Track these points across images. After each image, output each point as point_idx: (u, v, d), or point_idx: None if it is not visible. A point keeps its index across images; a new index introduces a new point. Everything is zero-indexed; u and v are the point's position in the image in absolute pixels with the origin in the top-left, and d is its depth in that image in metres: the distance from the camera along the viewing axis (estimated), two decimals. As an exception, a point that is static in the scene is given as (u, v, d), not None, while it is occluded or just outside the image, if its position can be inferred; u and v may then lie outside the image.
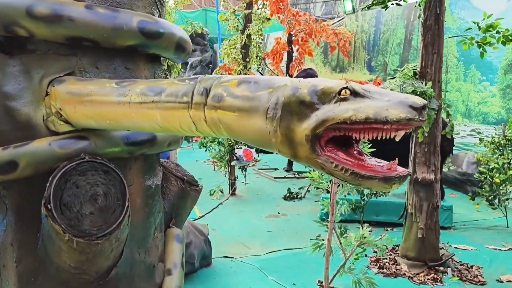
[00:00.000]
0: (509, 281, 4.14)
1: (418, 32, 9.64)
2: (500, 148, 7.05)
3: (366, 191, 5.27)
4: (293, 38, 12.92)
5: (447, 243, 5.17)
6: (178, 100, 1.24)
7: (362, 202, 5.27)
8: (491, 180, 5.92)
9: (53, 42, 1.38)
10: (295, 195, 7.23)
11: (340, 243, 3.87)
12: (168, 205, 1.83)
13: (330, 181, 3.40)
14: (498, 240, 5.40)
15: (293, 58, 12.88)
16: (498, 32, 4.13)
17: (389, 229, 5.74)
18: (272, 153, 7.76)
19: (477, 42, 4.30)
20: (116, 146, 1.47)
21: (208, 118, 1.22)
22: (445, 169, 8.27)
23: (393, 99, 1.13)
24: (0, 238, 1.46)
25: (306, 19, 12.43)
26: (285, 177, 8.93)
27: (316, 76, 9.46)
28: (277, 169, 9.81)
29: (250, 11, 11.92)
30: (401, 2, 4.54)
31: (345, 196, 4.39)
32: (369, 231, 4.07)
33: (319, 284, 3.90)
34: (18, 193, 1.41)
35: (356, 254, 3.88)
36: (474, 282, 4.10)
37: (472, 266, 4.47)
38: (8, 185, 1.41)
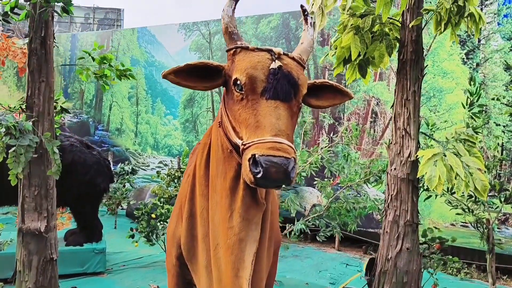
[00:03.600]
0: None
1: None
2: (175, 180, 7.19)
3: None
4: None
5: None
6: None
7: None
8: (147, 215, 5.81)
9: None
10: None
11: None
12: None
13: None
14: (148, 279, 5.23)
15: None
16: (110, 66, 3.92)
17: None
18: None
19: (94, 73, 3.99)
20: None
21: None
22: (124, 205, 8.03)
23: None
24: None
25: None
26: None
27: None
28: None
29: None
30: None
31: None
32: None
33: None
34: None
35: None
36: None
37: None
38: None
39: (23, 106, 3.73)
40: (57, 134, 3.98)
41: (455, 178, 3.31)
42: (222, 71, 1.95)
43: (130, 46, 9.82)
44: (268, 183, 1.63)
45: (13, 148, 3.25)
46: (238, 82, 1.80)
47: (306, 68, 2.00)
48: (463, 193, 4.97)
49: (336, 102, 2.08)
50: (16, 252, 3.81)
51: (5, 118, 3.26)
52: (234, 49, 1.90)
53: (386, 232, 3.73)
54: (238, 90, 1.81)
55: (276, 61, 1.81)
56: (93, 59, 3.91)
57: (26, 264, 3.70)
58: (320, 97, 2.05)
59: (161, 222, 5.91)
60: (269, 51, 1.85)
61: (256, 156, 1.60)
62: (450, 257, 4.56)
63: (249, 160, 1.63)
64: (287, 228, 5.37)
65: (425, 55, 4.78)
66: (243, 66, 1.81)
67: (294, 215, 5.50)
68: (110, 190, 7.18)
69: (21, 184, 3.74)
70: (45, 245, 3.76)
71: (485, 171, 3.31)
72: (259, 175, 1.60)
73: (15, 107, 3.67)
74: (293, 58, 1.89)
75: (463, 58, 5.86)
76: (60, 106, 4.17)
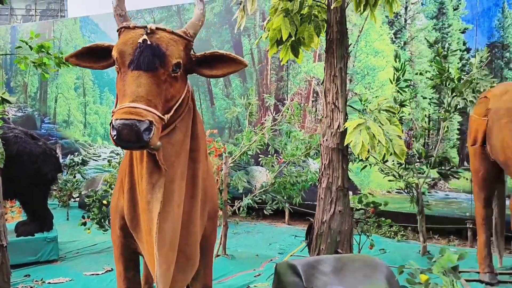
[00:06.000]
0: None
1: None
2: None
3: None
4: None
5: (41, 280, 4.73)
6: None
7: None
8: (98, 202, 5.89)
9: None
10: None
11: None
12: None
13: None
14: (102, 263, 5.34)
15: None
16: (49, 54, 3.98)
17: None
18: None
19: (33, 62, 4.03)
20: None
21: None
22: (75, 195, 8.03)
23: None
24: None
25: None
26: None
27: None
28: None
29: None
30: None
31: None
32: None
33: None
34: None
35: None
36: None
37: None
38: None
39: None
40: (0, 125, 4.01)
41: (377, 144, 3.68)
42: None
43: (73, 35, 9.64)
44: (123, 144, 1.84)
45: (-47, 138, 3.29)
46: (114, 58, 2.04)
47: (190, 40, 2.16)
48: (393, 161, 5.42)
49: (230, 70, 2.22)
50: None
51: None
52: (119, 30, 2.12)
53: (321, 198, 4.07)
54: (116, 66, 2.05)
55: (144, 35, 2.02)
56: (31, 48, 3.94)
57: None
58: (214, 67, 2.22)
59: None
60: (145, 27, 2.06)
61: (113, 121, 1.81)
62: (383, 219, 5.01)
63: (110, 125, 1.85)
64: (235, 205, 5.65)
65: (358, 36, 5.09)
66: (118, 43, 2.06)
67: (241, 192, 5.78)
68: (59, 181, 7.17)
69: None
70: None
71: (400, 137, 3.67)
72: (115, 138, 1.81)
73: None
74: (171, 32, 2.10)
75: (392, 38, 6.30)
76: (1, 97, 4.18)
